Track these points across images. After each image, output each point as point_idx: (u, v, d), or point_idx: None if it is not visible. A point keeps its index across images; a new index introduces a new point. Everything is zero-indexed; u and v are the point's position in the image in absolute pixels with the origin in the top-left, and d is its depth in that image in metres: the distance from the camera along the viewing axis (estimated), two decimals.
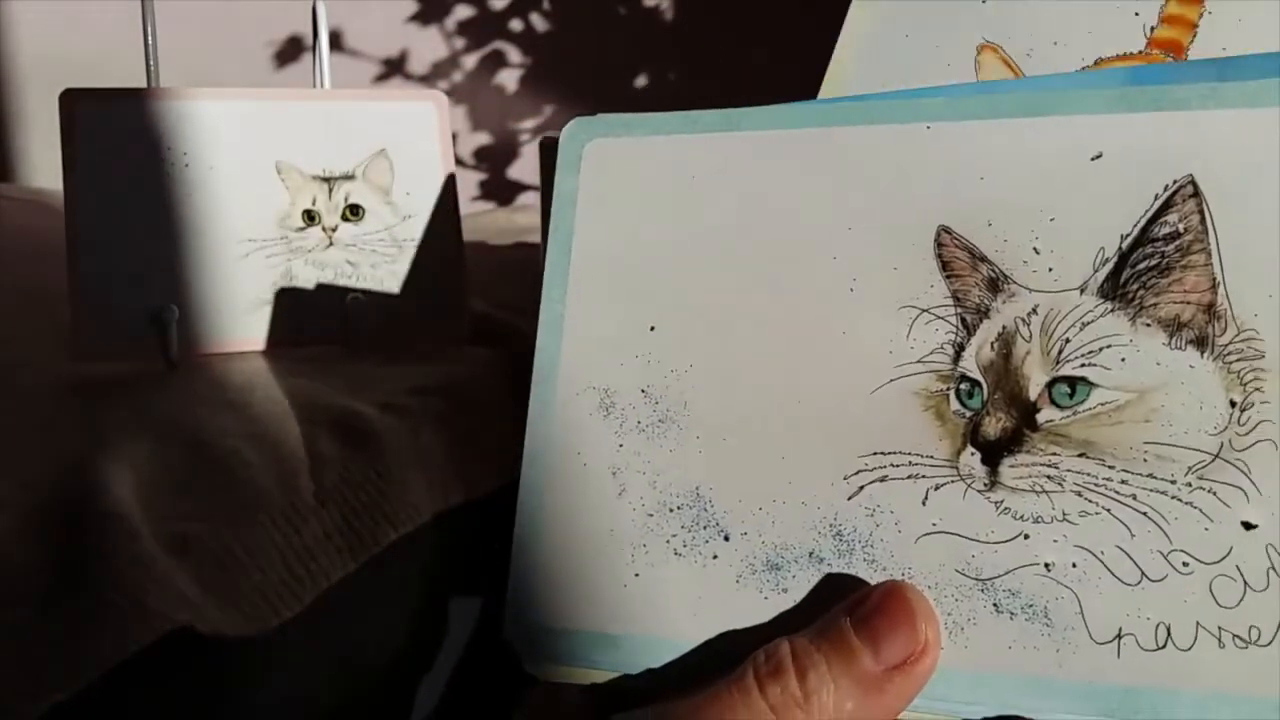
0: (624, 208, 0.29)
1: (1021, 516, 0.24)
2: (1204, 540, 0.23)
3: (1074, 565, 0.23)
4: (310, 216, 0.60)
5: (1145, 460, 0.23)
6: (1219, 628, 0.22)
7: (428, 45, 1.78)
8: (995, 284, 0.25)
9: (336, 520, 0.40)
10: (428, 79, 1.77)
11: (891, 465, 0.25)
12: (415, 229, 0.61)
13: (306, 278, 0.59)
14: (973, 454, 0.25)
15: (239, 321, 0.58)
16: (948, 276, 0.26)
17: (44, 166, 1.62)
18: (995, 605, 0.24)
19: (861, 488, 0.25)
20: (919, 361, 0.25)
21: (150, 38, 0.71)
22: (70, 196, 0.56)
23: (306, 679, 0.39)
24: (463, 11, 1.77)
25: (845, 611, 0.23)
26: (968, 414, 0.25)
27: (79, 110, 0.56)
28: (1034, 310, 0.25)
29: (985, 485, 0.24)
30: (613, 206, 0.29)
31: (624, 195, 0.29)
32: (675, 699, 0.24)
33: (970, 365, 0.25)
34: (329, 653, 0.39)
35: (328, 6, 0.67)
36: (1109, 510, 0.23)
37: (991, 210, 0.25)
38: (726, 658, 0.24)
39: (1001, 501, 0.24)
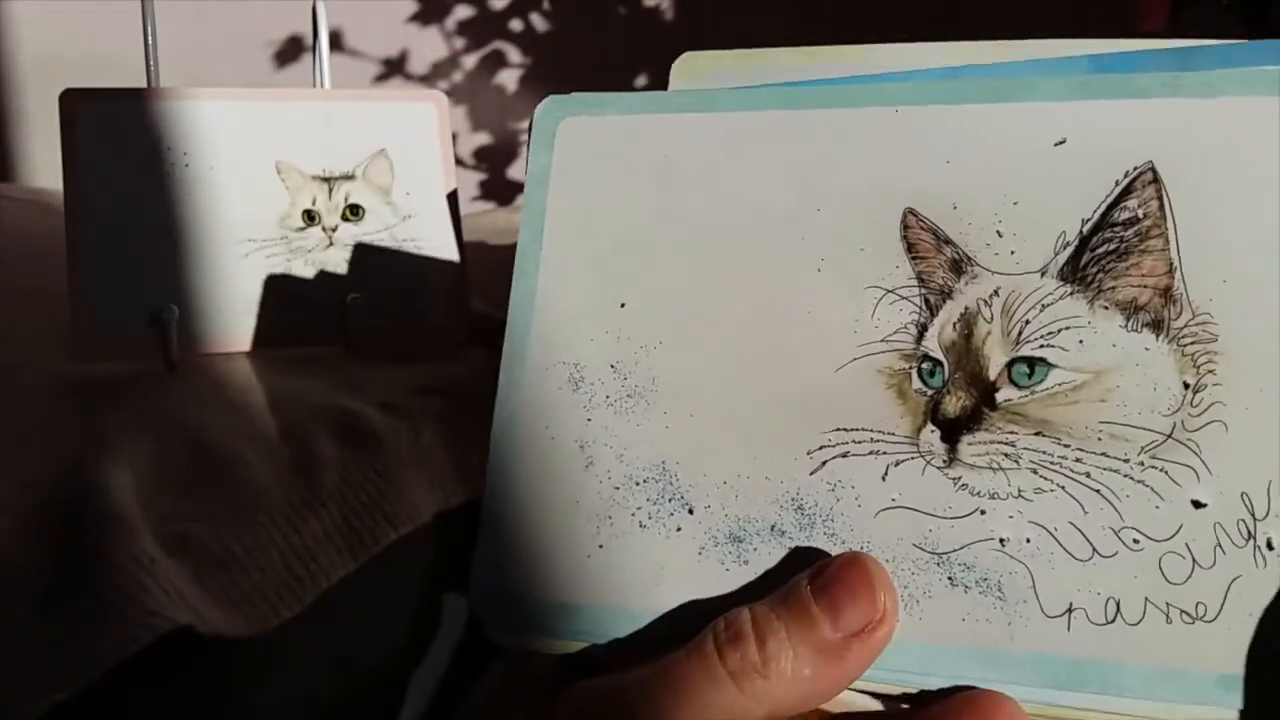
0: (596, 186, 0.29)
1: (978, 493, 0.25)
2: (1154, 518, 0.23)
3: (1028, 541, 0.24)
4: (310, 216, 0.60)
5: (1100, 439, 0.24)
6: (1167, 603, 0.23)
7: (428, 45, 1.78)
8: (958, 266, 0.26)
9: (336, 520, 0.40)
10: (428, 79, 1.77)
11: (854, 441, 0.26)
12: (415, 229, 0.61)
13: (306, 278, 0.59)
14: (933, 431, 0.25)
15: (239, 321, 0.58)
16: (913, 258, 0.26)
17: (44, 166, 1.62)
18: (950, 579, 0.24)
19: (824, 463, 0.26)
20: (883, 340, 0.26)
21: (150, 38, 0.71)
22: (70, 196, 0.56)
23: (306, 679, 0.39)
24: (463, 11, 1.77)
25: (805, 580, 0.24)
26: (929, 392, 0.25)
27: (79, 110, 0.56)
28: (995, 292, 0.25)
29: (944, 462, 0.25)
30: (585, 184, 0.29)
31: (597, 173, 0.29)
32: (637, 667, 0.24)
33: (932, 345, 0.26)
34: (329, 653, 0.39)
35: (328, 6, 0.67)
36: (1063, 488, 0.24)
37: (956, 193, 0.26)
38: (689, 627, 0.25)
39: (959, 478, 0.25)
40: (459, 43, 1.79)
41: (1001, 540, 0.24)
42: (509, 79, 1.79)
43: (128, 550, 0.35)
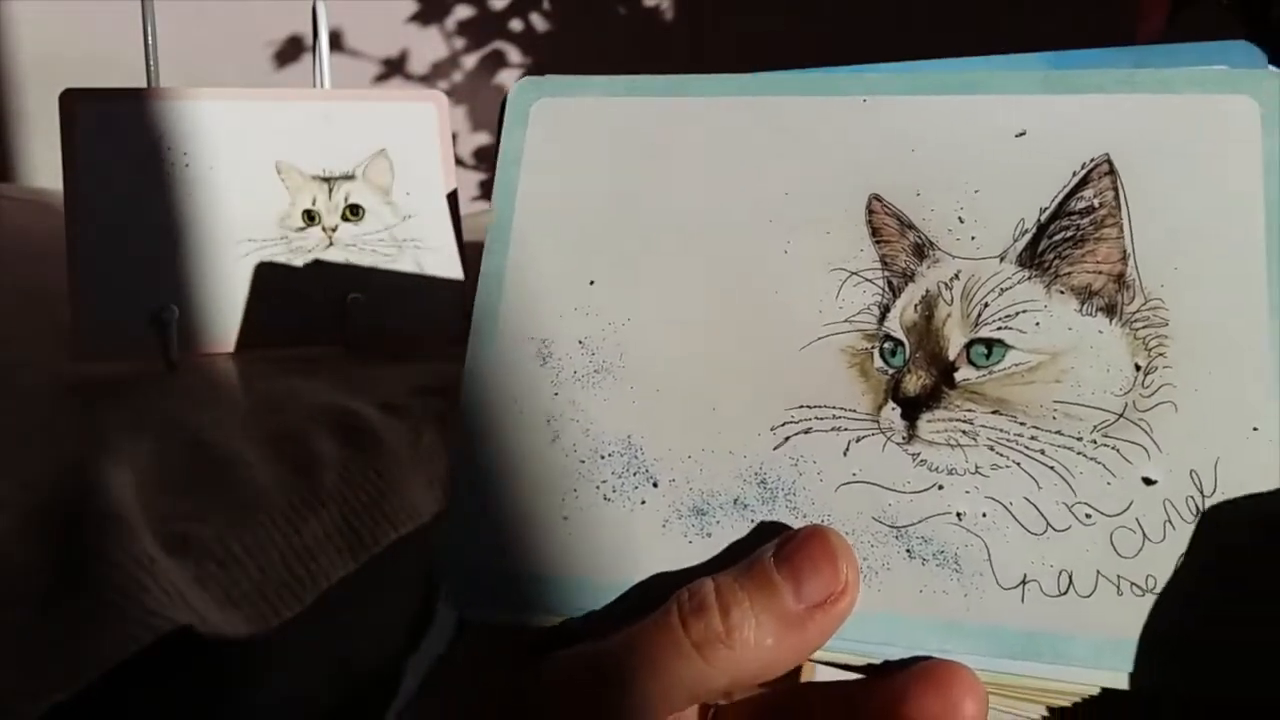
0: (569, 166, 0.30)
1: (937, 468, 0.25)
2: (1106, 494, 0.24)
3: (984, 515, 0.25)
4: (310, 216, 0.60)
5: (1054, 418, 0.25)
6: (1118, 576, 0.24)
7: (428, 45, 1.78)
8: (921, 250, 0.27)
9: (336, 520, 0.40)
10: (428, 79, 1.77)
11: (816, 418, 0.26)
12: (415, 229, 0.61)
13: (306, 278, 0.59)
14: (893, 409, 0.26)
15: (239, 322, 0.58)
16: (877, 242, 0.27)
17: (44, 166, 1.62)
18: (909, 551, 0.25)
19: (787, 438, 0.26)
20: (846, 321, 0.27)
21: (150, 38, 0.71)
22: (70, 196, 0.56)
23: (306, 678, 0.39)
24: (463, 11, 1.77)
25: (769, 552, 0.24)
26: (890, 371, 0.26)
27: (79, 110, 0.56)
28: (956, 275, 0.26)
29: (904, 439, 0.25)
30: (558, 164, 0.30)
31: (569, 154, 0.30)
32: (601, 639, 0.24)
33: (894, 326, 0.26)
34: (329, 652, 0.39)
35: (328, 6, 0.67)
36: (1019, 464, 0.25)
37: (920, 181, 0.27)
38: (653, 599, 0.25)
39: (918, 454, 0.25)
40: (459, 43, 1.79)
41: (959, 514, 0.25)
42: (509, 79, 1.79)
43: (128, 550, 0.35)
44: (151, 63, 0.71)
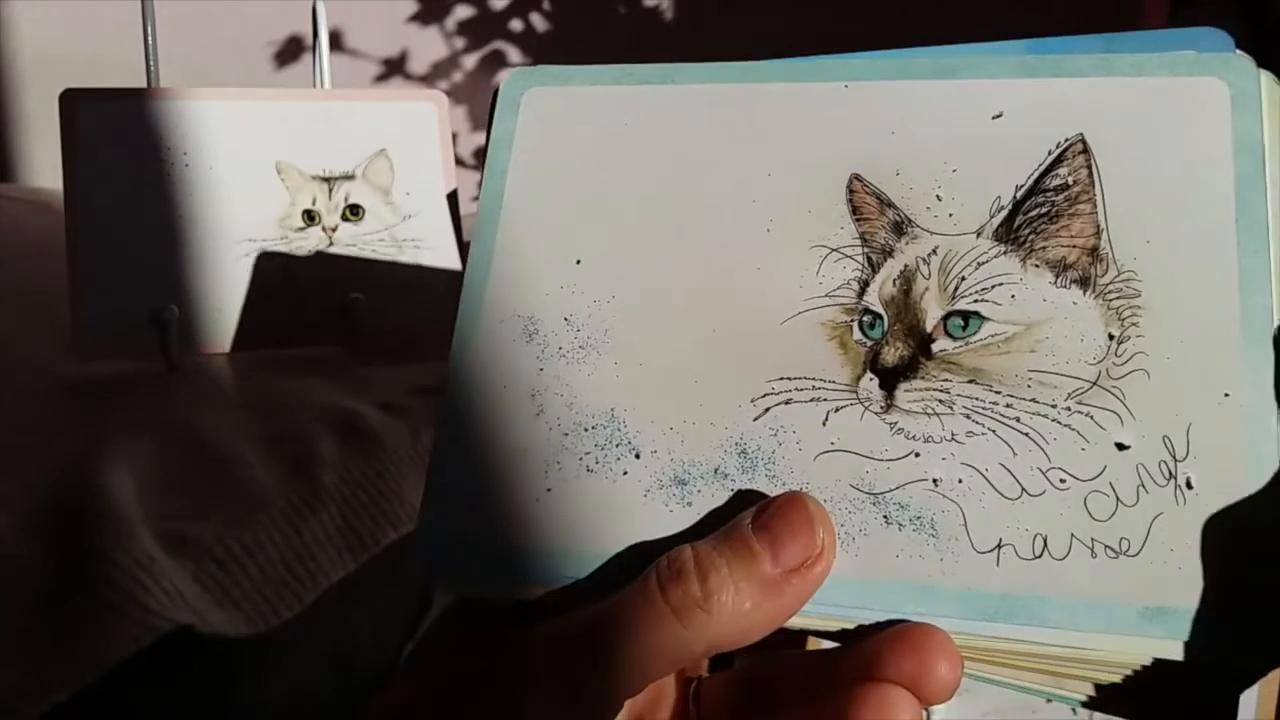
0: (557, 150, 0.31)
1: (913, 436, 0.26)
2: (1080, 459, 0.25)
3: (960, 481, 0.25)
4: (310, 216, 0.60)
5: (1029, 386, 0.25)
6: (1092, 539, 0.24)
7: (428, 45, 1.78)
8: (900, 227, 0.27)
9: (336, 520, 0.40)
10: (428, 79, 1.77)
11: (796, 389, 0.27)
12: (415, 229, 0.61)
13: (306, 278, 0.59)
14: (871, 379, 0.26)
15: (239, 321, 0.58)
16: (857, 219, 0.28)
17: (44, 166, 1.62)
18: (885, 517, 0.25)
19: (767, 409, 0.27)
20: (826, 295, 0.27)
21: (150, 38, 0.71)
22: (70, 196, 0.56)
23: (306, 678, 0.39)
24: (463, 11, 1.77)
25: (747, 518, 0.25)
26: (869, 343, 0.27)
27: (79, 110, 0.56)
28: (934, 251, 0.27)
29: (881, 408, 0.26)
30: (546, 149, 0.31)
31: (557, 139, 0.31)
32: (581, 608, 0.24)
33: (873, 299, 0.27)
34: (328, 652, 0.40)
35: (328, 6, 0.67)
36: (994, 431, 0.25)
37: (900, 161, 0.28)
38: (635, 568, 0.25)
39: (896, 423, 0.26)
40: (459, 43, 1.79)
41: (935, 480, 0.25)
42: None
43: (128, 550, 0.35)
44: (151, 63, 0.71)
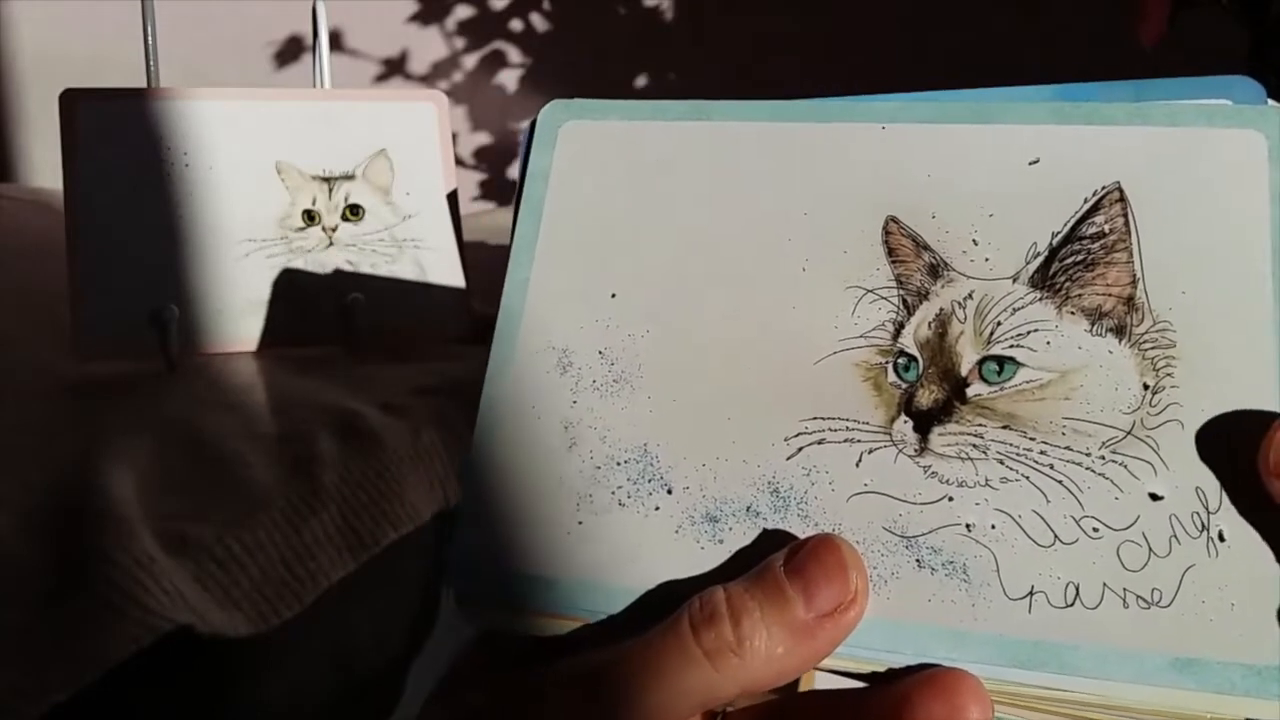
0: (594, 185, 0.31)
1: (947, 480, 0.26)
2: (1114, 508, 0.25)
3: (993, 527, 0.25)
4: (310, 216, 0.60)
5: (1064, 434, 0.25)
6: (1124, 589, 0.24)
7: (428, 45, 1.78)
8: (935, 270, 0.27)
9: (336, 520, 0.40)
10: (428, 79, 1.77)
11: (830, 429, 0.27)
12: (415, 229, 0.61)
13: (306, 278, 0.59)
14: (905, 422, 0.26)
15: (239, 321, 0.58)
16: (892, 261, 0.28)
17: (44, 166, 1.62)
18: (918, 561, 0.25)
19: (800, 449, 0.27)
20: (861, 336, 0.27)
21: (150, 38, 0.71)
22: (70, 196, 0.56)
23: (306, 678, 0.39)
24: (463, 11, 1.77)
25: (780, 560, 0.24)
26: (903, 386, 0.27)
27: (79, 110, 0.56)
28: (970, 295, 0.27)
29: (915, 451, 0.26)
30: (583, 183, 0.31)
31: (595, 173, 0.31)
32: (611, 646, 0.24)
33: (908, 342, 0.27)
34: (328, 652, 0.40)
35: (328, 6, 0.67)
36: (1028, 478, 0.25)
37: (936, 204, 0.28)
38: (664, 604, 0.25)
39: (929, 466, 0.26)
40: (459, 43, 1.79)
41: (968, 525, 0.25)
42: (509, 79, 1.79)
43: (128, 550, 0.35)
44: (151, 63, 0.71)
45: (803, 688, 0.26)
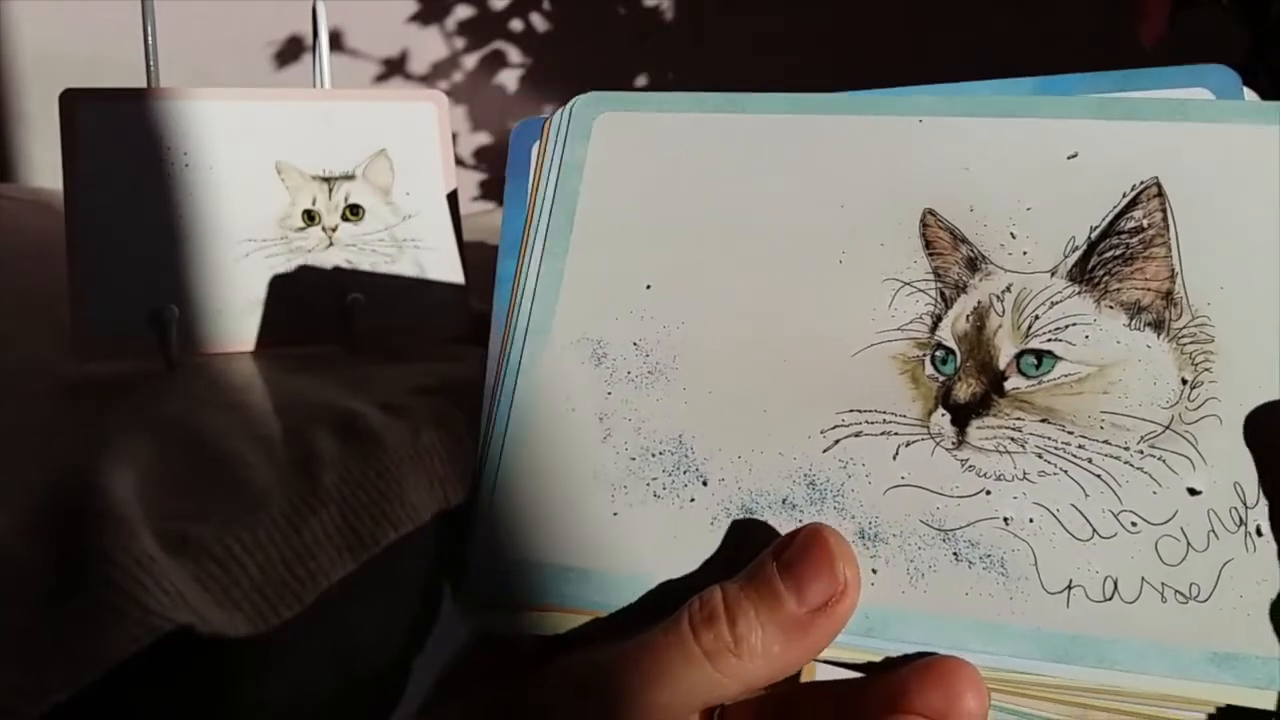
0: (629, 176, 0.31)
1: (985, 474, 0.26)
2: (1152, 503, 0.25)
3: (1031, 520, 0.25)
4: (310, 216, 0.60)
5: (1102, 428, 0.25)
6: (1162, 583, 0.24)
7: (428, 45, 1.77)
8: (973, 263, 0.27)
9: (336, 520, 0.40)
10: (428, 79, 1.77)
11: (867, 422, 0.27)
12: (415, 229, 0.61)
13: (306, 278, 0.59)
14: (943, 415, 0.26)
15: (239, 321, 0.58)
16: (930, 254, 0.28)
17: (44, 166, 1.62)
18: (955, 554, 0.25)
19: (837, 441, 0.27)
20: (899, 329, 0.27)
21: (150, 38, 0.71)
22: (70, 196, 0.56)
23: (306, 678, 0.39)
24: (463, 11, 1.77)
25: (771, 557, 0.24)
26: (941, 379, 0.27)
27: (79, 110, 0.56)
28: (1008, 288, 0.27)
29: (953, 444, 0.26)
30: (618, 175, 0.31)
31: (629, 165, 0.31)
32: (612, 644, 0.24)
33: (946, 335, 0.27)
34: (328, 652, 0.39)
35: (328, 6, 0.67)
36: (1066, 472, 0.25)
37: (974, 197, 0.28)
38: (666, 600, 0.26)
39: (967, 460, 0.26)
40: (459, 43, 1.79)
41: (1006, 519, 0.25)
42: (509, 79, 1.79)
43: (128, 550, 0.35)
44: (151, 63, 0.71)
45: (804, 679, 0.26)
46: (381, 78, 1.73)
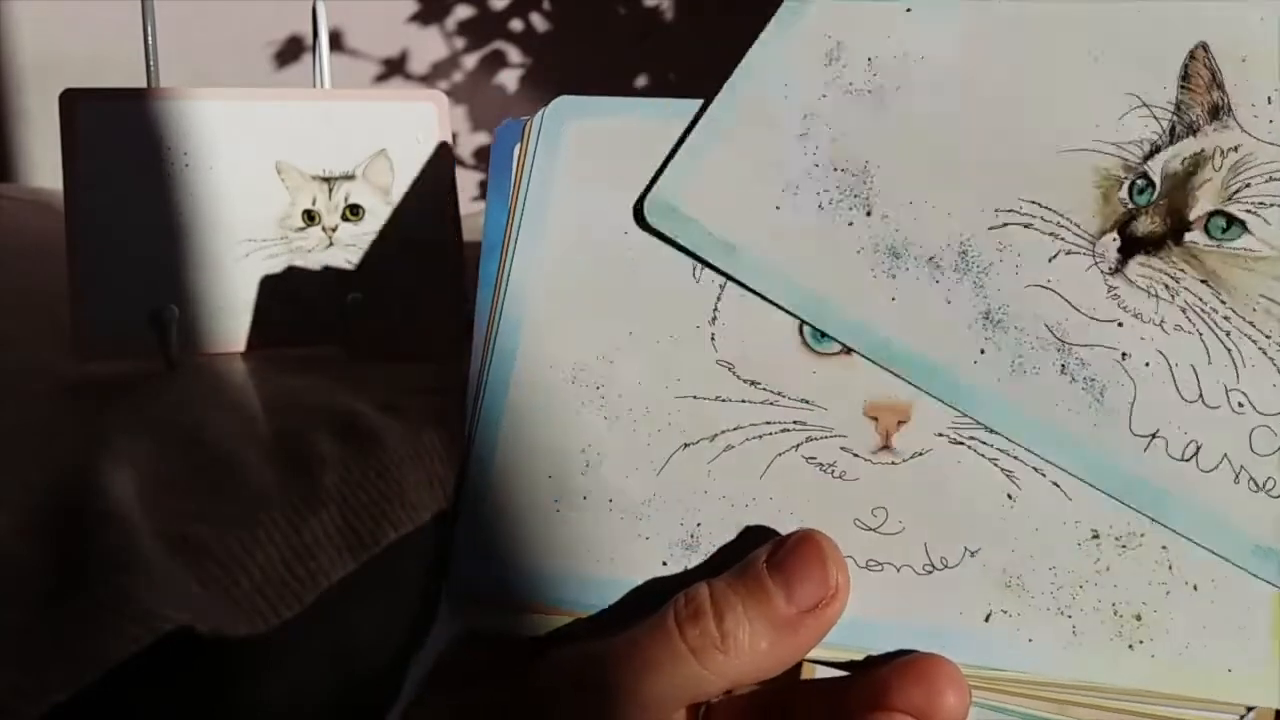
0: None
1: (1126, 307, 0.26)
2: (1268, 394, 0.25)
3: (1147, 365, 0.26)
4: (310, 216, 0.60)
5: (1255, 310, 0.26)
6: (1241, 466, 0.25)
7: (428, 45, 1.77)
8: (1217, 111, 0.27)
9: (336, 520, 0.40)
10: (428, 79, 1.77)
11: (1042, 219, 0.27)
12: (415, 229, 0.61)
13: (306, 278, 0.59)
14: (1114, 240, 0.26)
15: (239, 321, 0.58)
16: (1182, 86, 0.27)
17: (44, 166, 1.62)
18: (1063, 366, 0.26)
19: (1006, 225, 0.27)
20: (1115, 144, 0.27)
21: (150, 38, 0.71)
22: (70, 196, 0.56)
23: (306, 678, 0.39)
24: (463, 11, 1.77)
25: (762, 556, 0.24)
26: (1129, 206, 0.27)
27: (79, 110, 0.56)
28: (1235, 148, 0.27)
29: (1110, 270, 0.26)
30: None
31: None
32: (599, 640, 0.24)
33: (1156, 167, 0.27)
34: (328, 652, 0.39)
35: (328, 6, 0.67)
36: (1201, 335, 0.26)
37: (1253, 49, 0.27)
38: (650, 600, 0.25)
39: (1116, 289, 0.26)
40: (459, 43, 1.79)
41: (1124, 354, 0.26)
42: (509, 79, 1.79)
43: (128, 550, 0.35)
44: (151, 63, 0.71)
45: (804, 677, 0.26)
46: (381, 78, 1.73)
